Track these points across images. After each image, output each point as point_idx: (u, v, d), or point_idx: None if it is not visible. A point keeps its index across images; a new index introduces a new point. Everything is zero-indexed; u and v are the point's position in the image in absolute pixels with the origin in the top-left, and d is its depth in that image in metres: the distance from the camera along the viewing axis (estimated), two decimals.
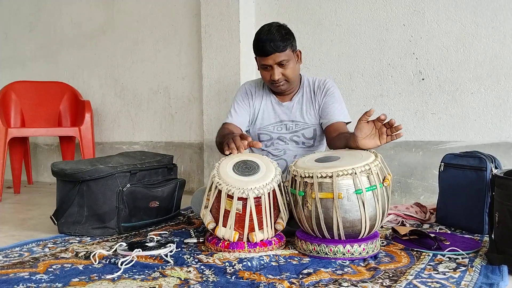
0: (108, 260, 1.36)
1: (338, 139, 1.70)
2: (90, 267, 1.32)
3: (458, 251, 1.41)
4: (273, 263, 1.32)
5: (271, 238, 1.48)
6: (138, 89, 3.23)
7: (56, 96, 3.29)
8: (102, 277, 1.22)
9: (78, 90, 3.34)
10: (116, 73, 3.33)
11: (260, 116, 1.92)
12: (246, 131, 1.97)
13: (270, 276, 1.21)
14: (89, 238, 1.71)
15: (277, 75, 1.75)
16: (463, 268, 1.27)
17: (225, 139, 1.64)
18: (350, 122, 1.86)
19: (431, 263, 1.33)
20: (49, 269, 1.30)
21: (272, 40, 1.70)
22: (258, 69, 1.86)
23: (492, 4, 2.15)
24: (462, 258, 1.37)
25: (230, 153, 1.56)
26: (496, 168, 1.70)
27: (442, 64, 2.26)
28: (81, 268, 1.31)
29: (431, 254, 1.41)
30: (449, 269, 1.27)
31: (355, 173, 1.35)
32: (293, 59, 1.78)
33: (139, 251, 1.39)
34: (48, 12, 3.66)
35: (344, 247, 1.37)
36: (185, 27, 2.99)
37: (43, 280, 1.20)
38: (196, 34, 2.92)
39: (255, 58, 1.84)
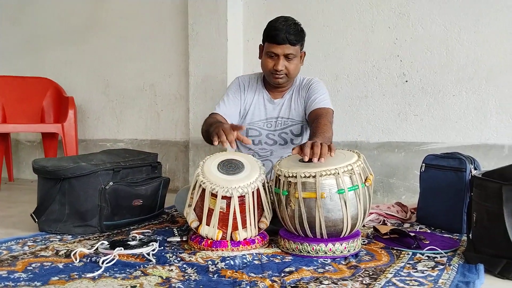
0: (89, 258, 1.35)
1: (311, 126, 1.74)
2: (70, 265, 1.31)
3: (437, 250, 1.43)
4: (256, 262, 1.33)
5: (255, 236, 1.48)
6: (124, 86, 3.20)
7: (39, 91, 3.24)
8: (83, 275, 1.22)
9: (63, 86, 3.30)
10: (102, 70, 3.30)
11: (251, 112, 1.93)
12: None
13: (252, 275, 1.22)
14: (70, 236, 1.69)
15: (281, 66, 1.77)
16: (441, 267, 1.29)
17: (213, 128, 1.62)
18: (332, 109, 1.83)
19: (410, 262, 1.35)
20: (28, 268, 1.28)
21: (288, 32, 1.73)
22: (260, 57, 1.88)
23: (474, 9, 2.19)
24: (441, 257, 1.39)
25: (219, 143, 1.52)
26: (475, 169, 1.73)
27: (425, 67, 2.30)
28: (61, 266, 1.30)
29: (410, 253, 1.44)
30: (428, 267, 1.29)
31: (338, 173, 1.36)
32: (298, 57, 1.82)
33: (121, 249, 1.38)
34: (33, 6, 3.60)
35: (326, 246, 1.38)
36: (172, 25, 2.98)
37: (21, 279, 1.19)
38: (183, 31, 2.91)
39: (261, 45, 1.86)
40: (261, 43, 1.87)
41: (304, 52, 1.88)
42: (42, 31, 3.56)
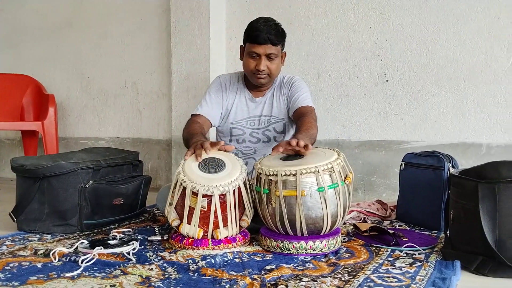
0: (69, 258, 1.34)
1: (296, 125, 1.78)
2: (49, 265, 1.29)
3: (415, 247, 1.46)
4: (237, 260, 1.34)
5: (236, 235, 1.49)
6: (105, 83, 3.17)
7: (18, 89, 3.18)
8: (61, 275, 1.20)
9: (43, 83, 3.25)
10: (82, 67, 3.26)
11: (234, 111, 1.93)
12: (217, 126, 1.97)
13: (233, 273, 1.22)
14: (50, 235, 1.67)
15: (263, 66, 1.78)
16: (419, 264, 1.32)
17: (193, 140, 1.63)
18: (313, 107, 1.86)
19: (389, 259, 1.37)
20: (5, 268, 1.26)
21: (269, 32, 1.75)
22: (241, 58, 1.89)
23: (454, 9, 2.23)
24: (419, 254, 1.42)
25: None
26: (453, 167, 1.77)
27: (405, 66, 2.33)
28: (39, 266, 1.28)
29: (389, 250, 1.46)
30: (406, 264, 1.32)
31: (318, 171, 1.38)
32: (279, 57, 1.84)
33: (101, 248, 1.37)
34: (11, 2, 3.53)
35: (306, 243, 1.40)
36: (155, 22, 2.96)
37: None
38: (165, 29, 2.89)
39: (242, 46, 1.87)
40: (242, 44, 1.87)
41: (285, 53, 1.90)
42: (22, 27, 3.49)
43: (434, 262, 1.33)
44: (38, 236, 1.66)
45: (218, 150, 1.58)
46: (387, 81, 2.36)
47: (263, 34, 1.74)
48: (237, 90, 1.94)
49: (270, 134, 1.91)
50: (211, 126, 1.92)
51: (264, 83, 1.86)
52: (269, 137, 1.92)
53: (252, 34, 1.77)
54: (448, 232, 1.46)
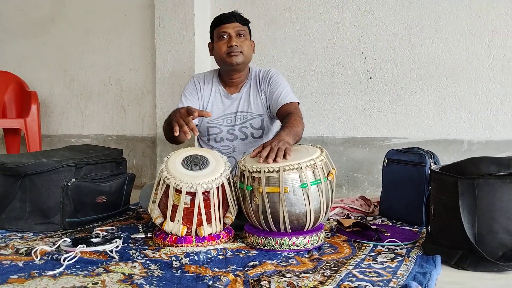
0: (51, 256, 1.32)
1: (282, 122, 1.78)
2: (31, 263, 1.28)
3: (397, 242, 1.48)
4: (220, 257, 1.34)
5: (220, 232, 1.49)
6: (89, 80, 3.14)
7: (0, 86, 3.12)
8: (43, 273, 1.19)
9: (25, 81, 3.19)
10: (66, 64, 3.21)
11: (209, 109, 1.92)
12: (196, 125, 1.96)
13: (216, 269, 1.22)
14: (32, 234, 1.65)
15: (235, 42, 1.82)
16: (400, 258, 1.34)
17: (171, 117, 1.61)
18: (297, 101, 1.86)
19: (371, 254, 1.39)
20: None
21: (233, 14, 1.86)
22: (211, 54, 1.92)
23: (436, 7, 2.26)
24: (400, 249, 1.44)
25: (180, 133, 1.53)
26: (434, 163, 1.79)
27: (388, 64, 2.35)
28: (21, 265, 1.27)
29: (371, 245, 1.48)
30: (387, 259, 1.34)
31: (301, 168, 1.39)
32: (249, 41, 1.89)
33: (83, 246, 1.36)
34: None
35: (289, 239, 1.41)
36: (139, 18, 2.93)
37: None
38: (149, 25, 2.87)
39: (210, 42, 1.92)
40: (210, 40, 1.94)
41: (253, 42, 1.94)
42: (3, 23, 3.43)
43: (415, 257, 1.35)
44: (20, 234, 1.64)
45: (194, 117, 1.54)
46: (370, 78, 2.39)
47: (228, 14, 1.85)
48: (212, 88, 1.94)
49: (247, 131, 1.91)
50: None
51: (240, 62, 1.83)
52: (246, 133, 1.90)
53: (218, 18, 1.87)
54: (429, 227, 1.48)
